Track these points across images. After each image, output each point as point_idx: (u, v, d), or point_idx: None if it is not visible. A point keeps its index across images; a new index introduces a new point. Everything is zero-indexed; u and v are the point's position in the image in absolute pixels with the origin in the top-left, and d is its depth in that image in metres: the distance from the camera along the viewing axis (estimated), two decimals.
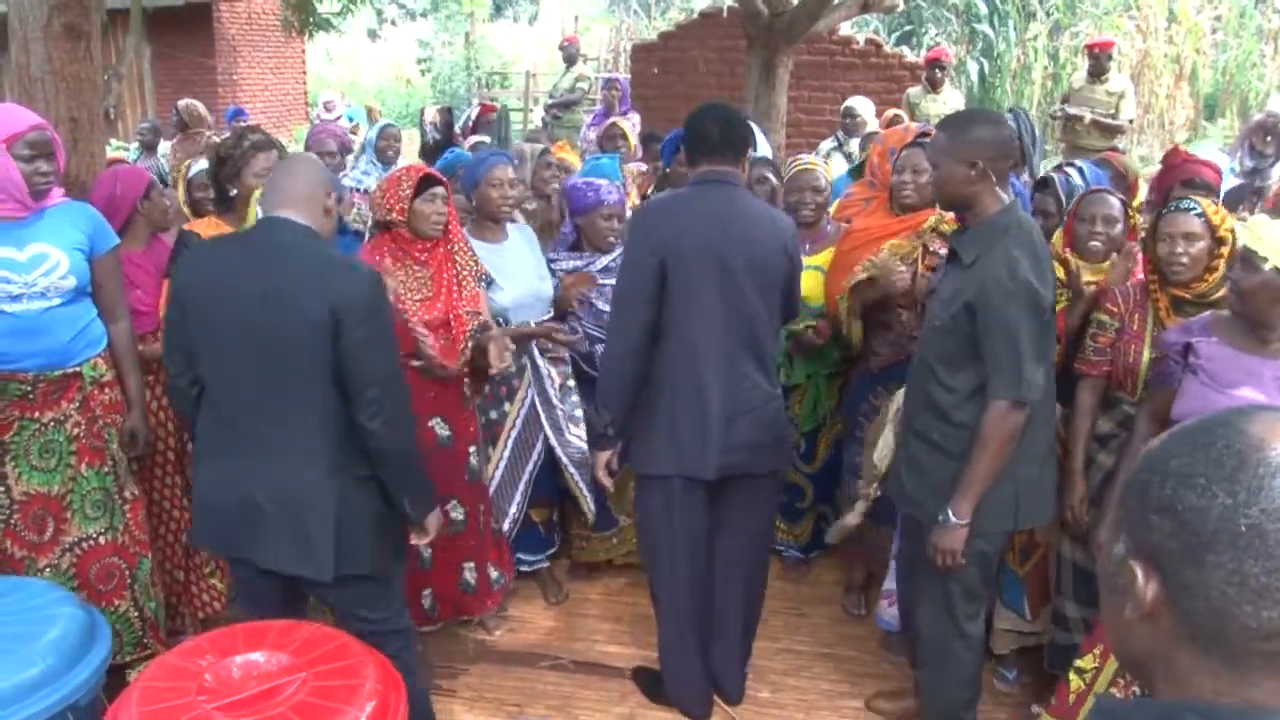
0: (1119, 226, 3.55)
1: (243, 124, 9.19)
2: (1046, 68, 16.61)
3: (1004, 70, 16.85)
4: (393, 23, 27.75)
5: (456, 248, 3.68)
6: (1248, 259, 2.72)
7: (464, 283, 3.65)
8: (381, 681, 2.39)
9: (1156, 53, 16.16)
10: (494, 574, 3.96)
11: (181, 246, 3.51)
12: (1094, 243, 3.54)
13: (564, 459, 4.09)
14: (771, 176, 4.49)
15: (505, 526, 4.04)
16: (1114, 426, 3.32)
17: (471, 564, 3.86)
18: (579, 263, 4.16)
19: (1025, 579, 3.64)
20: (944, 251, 3.67)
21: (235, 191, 3.59)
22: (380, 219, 3.55)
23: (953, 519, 2.89)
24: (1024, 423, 2.84)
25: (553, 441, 4.07)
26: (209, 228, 3.57)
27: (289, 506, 2.63)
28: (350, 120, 9.72)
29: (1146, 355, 3.19)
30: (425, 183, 3.53)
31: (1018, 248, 2.80)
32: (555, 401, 4.07)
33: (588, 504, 4.18)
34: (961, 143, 2.84)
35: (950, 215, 3.64)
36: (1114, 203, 3.57)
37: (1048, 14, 17.04)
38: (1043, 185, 4.00)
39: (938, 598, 3.11)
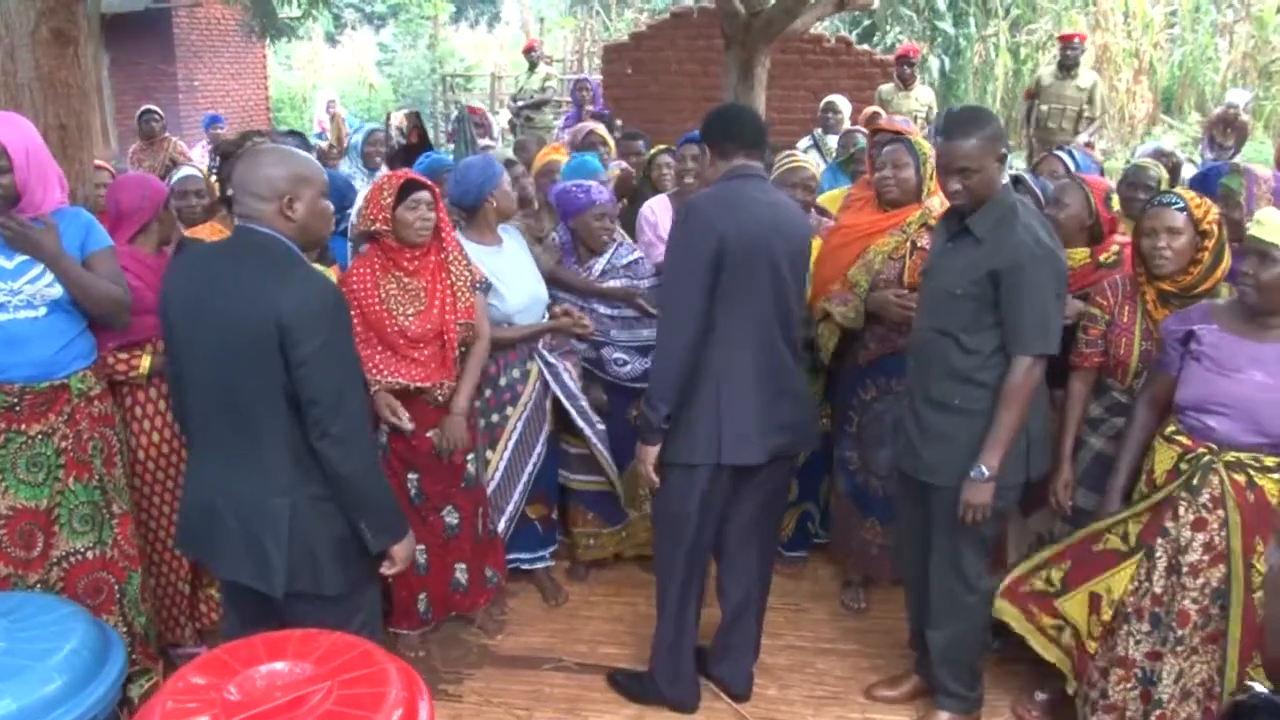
0: (1067, 211, 3.65)
1: (219, 131, 9.14)
2: (1009, 64, 16.77)
3: (965, 67, 17.00)
4: (353, 27, 27.57)
5: (450, 256, 3.61)
6: (1265, 253, 2.80)
7: (459, 293, 3.59)
8: (407, 689, 2.35)
9: (1115, 47, 16.36)
10: (488, 573, 3.96)
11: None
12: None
13: (600, 448, 4.10)
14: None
15: (501, 526, 4.03)
16: (1103, 411, 3.43)
17: (463, 565, 3.84)
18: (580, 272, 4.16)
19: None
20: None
21: (232, 192, 3.55)
22: (364, 229, 3.50)
23: (985, 472, 3.05)
24: (1042, 375, 3.06)
25: (589, 434, 4.06)
26: (211, 234, 3.53)
27: (245, 519, 2.60)
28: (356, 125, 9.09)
29: (1137, 347, 3.28)
30: (407, 188, 3.47)
31: (1032, 219, 3.07)
32: (577, 393, 4.05)
33: (620, 486, 4.23)
34: (994, 142, 3.04)
35: (938, 211, 3.70)
36: (1073, 189, 3.65)
37: (1007, 10, 17.20)
38: (1015, 184, 3.91)
39: (949, 557, 3.28)
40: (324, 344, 2.49)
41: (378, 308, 3.47)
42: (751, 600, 3.57)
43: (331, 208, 2.72)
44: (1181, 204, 3.13)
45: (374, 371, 3.47)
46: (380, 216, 3.44)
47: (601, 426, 4.13)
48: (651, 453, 3.29)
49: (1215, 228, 3.13)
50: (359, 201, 4.04)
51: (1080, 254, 3.61)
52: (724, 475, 3.27)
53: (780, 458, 3.37)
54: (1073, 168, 4.36)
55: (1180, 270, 3.16)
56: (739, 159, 3.23)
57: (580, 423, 4.05)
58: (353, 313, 3.37)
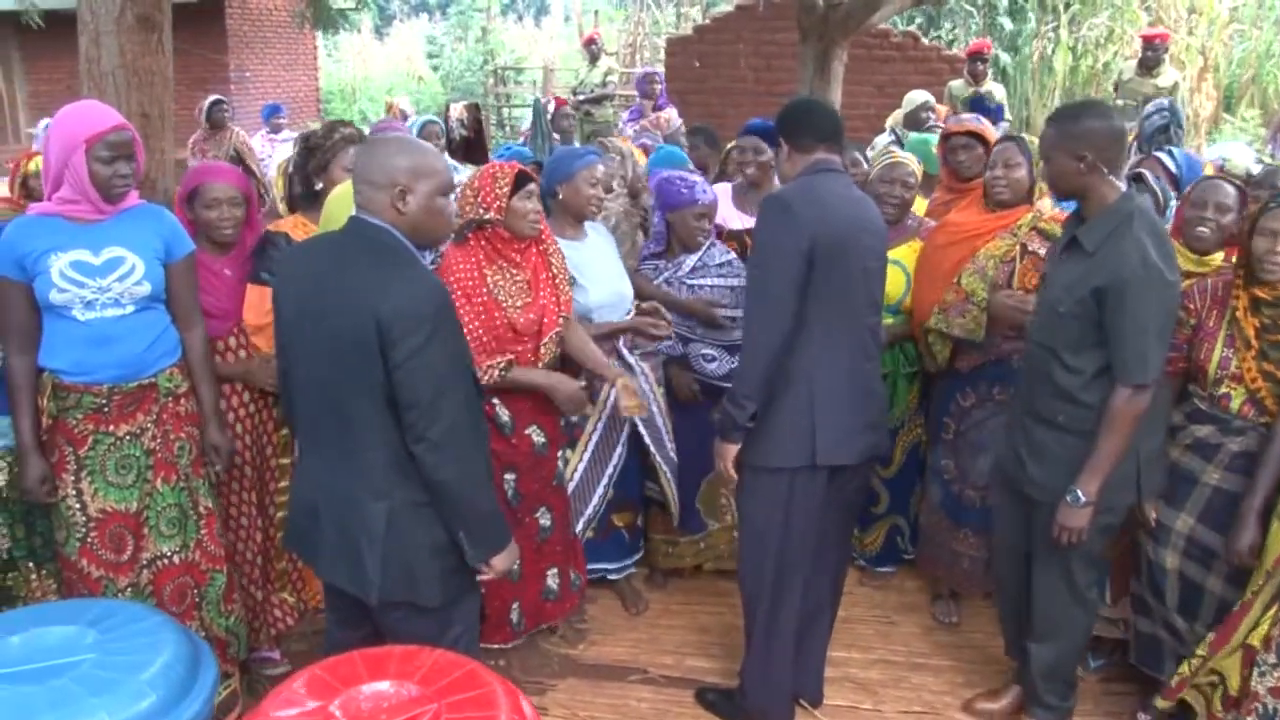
0: (1230, 216, 3.40)
1: (280, 121, 9.09)
2: (1067, 59, 16.45)
3: (1024, 63, 16.69)
4: (401, 20, 27.63)
5: (550, 249, 3.52)
6: None
7: (560, 286, 3.49)
8: (516, 711, 2.24)
9: (1179, 44, 15.98)
10: (572, 576, 3.84)
11: (268, 247, 3.34)
12: (1202, 229, 3.41)
13: (660, 463, 3.95)
14: (863, 159, 4.48)
15: (579, 527, 3.89)
16: (1183, 418, 3.28)
17: (555, 570, 3.72)
18: (665, 270, 4.03)
19: (1110, 563, 3.60)
20: (1043, 250, 3.58)
21: (321, 185, 3.43)
22: (473, 217, 3.38)
23: (1082, 498, 2.93)
24: (1148, 402, 2.89)
25: (649, 444, 3.89)
26: (295, 227, 3.41)
27: (341, 522, 2.54)
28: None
29: (1217, 354, 3.15)
30: (519, 180, 3.37)
31: (1145, 234, 2.83)
32: (650, 395, 3.90)
33: (675, 506, 4.06)
34: (1070, 136, 2.89)
35: (1050, 213, 3.62)
36: (1230, 190, 3.42)
37: (1066, 6, 16.86)
38: (1136, 180, 3.83)
39: (1058, 571, 3.17)
40: (422, 346, 2.37)
41: (486, 299, 3.35)
42: (825, 606, 3.47)
43: (453, 207, 2.59)
44: None
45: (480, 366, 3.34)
46: (495, 205, 3.33)
47: (671, 444, 4.00)
48: (732, 450, 3.18)
49: None
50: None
51: (1218, 259, 3.42)
52: (818, 478, 3.15)
53: (868, 459, 3.26)
54: (1174, 170, 4.16)
55: None
56: (819, 153, 3.12)
57: (642, 430, 3.89)
58: (459, 305, 3.24)
